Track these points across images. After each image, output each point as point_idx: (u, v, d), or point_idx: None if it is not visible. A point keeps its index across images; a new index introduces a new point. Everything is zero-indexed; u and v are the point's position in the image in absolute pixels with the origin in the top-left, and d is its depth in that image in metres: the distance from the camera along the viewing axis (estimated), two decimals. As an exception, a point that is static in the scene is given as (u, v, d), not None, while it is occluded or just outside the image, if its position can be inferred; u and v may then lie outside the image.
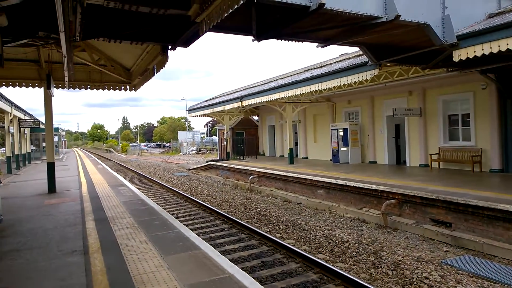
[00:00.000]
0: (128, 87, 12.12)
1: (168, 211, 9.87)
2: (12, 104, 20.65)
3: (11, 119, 21.64)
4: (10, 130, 21.72)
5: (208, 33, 6.45)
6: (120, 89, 12.15)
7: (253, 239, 8.11)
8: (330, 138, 18.70)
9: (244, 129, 27.96)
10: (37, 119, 28.32)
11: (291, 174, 14.46)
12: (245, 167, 18.62)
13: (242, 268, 6.21)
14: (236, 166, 19.79)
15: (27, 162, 26.82)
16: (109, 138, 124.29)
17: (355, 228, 9.22)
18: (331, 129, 18.44)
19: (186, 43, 7.42)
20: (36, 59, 10.58)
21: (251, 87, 22.84)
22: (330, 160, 18.92)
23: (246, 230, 8.72)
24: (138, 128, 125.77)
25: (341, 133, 17.81)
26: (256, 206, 12.12)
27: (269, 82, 20.65)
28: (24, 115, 26.39)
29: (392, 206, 9.70)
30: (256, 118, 29.12)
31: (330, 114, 19.89)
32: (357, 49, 10.84)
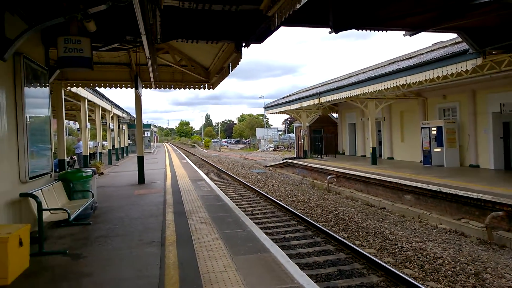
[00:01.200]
0: (206, 85, 12.60)
1: (242, 208, 9.98)
2: (112, 103, 23.22)
3: (111, 117, 24.38)
4: (111, 126, 24.48)
5: (285, 28, 6.25)
6: (199, 88, 12.70)
7: (329, 244, 7.70)
8: (420, 137, 17.00)
9: (322, 126, 27.20)
10: (133, 116, 31.45)
11: (373, 176, 13.52)
12: (323, 166, 18.03)
13: (316, 275, 5.93)
14: (313, 165, 19.31)
15: (124, 155, 29.97)
16: (193, 134, 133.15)
17: (451, 242, 8.13)
18: (422, 128, 16.75)
19: (259, 39, 7.33)
20: (127, 62, 11.62)
21: (330, 83, 22.03)
22: (420, 162, 17.24)
23: (322, 234, 8.34)
24: (219, 125, 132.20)
25: (434, 132, 16.04)
26: (333, 208, 11.59)
27: (349, 77, 19.65)
28: (122, 112, 29.55)
29: (500, 219, 8.34)
30: (335, 115, 28.10)
31: (421, 111, 18.08)
32: (453, 36, 9.55)
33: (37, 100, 6.56)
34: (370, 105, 17.69)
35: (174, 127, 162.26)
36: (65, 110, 12.41)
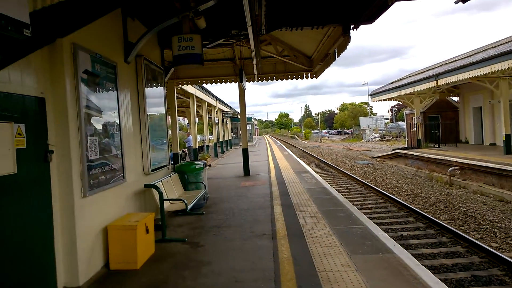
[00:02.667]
0: (309, 74, 12.32)
1: (352, 202, 9.46)
2: (216, 98, 24.73)
3: (216, 111, 26.01)
4: (216, 121, 26.14)
5: (390, 8, 5.64)
6: (302, 78, 12.48)
7: (458, 245, 6.73)
8: None
9: (439, 112, 24.32)
10: (236, 110, 33.08)
11: (509, 168, 11.46)
12: (442, 157, 16.08)
13: (445, 279, 5.21)
14: (430, 156, 17.38)
15: (229, 147, 31.79)
16: (293, 125, 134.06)
17: None
18: None
19: (371, 19, 6.71)
20: (231, 57, 12.08)
21: (449, 63, 19.44)
22: None
23: (448, 233, 7.35)
24: (319, 116, 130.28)
25: None
26: (460, 204, 10.18)
27: (475, 54, 16.99)
28: (226, 107, 31.29)
29: None
30: (455, 99, 24.82)
31: None
32: None
33: (155, 99, 7.21)
34: (502, 85, 15.05)
35: (274, 119, 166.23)
36: (177, 107, 13.61)
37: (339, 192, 9.59)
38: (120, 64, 5.43)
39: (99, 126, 4.57)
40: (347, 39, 7.59)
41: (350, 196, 11.69)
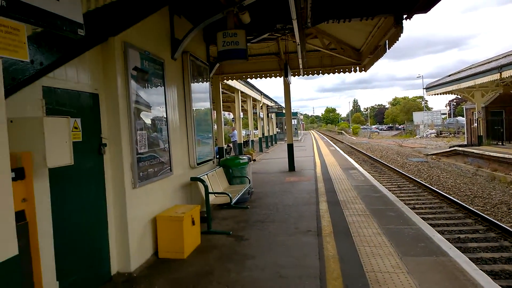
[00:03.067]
0: (358, 68, 11.94)
1: (403, 201, 9.05)
2: (261, 93, 24.84)
3: (261, 106, 26.14)
4: (260, 115, 26.27)
5: None
6: (350, 71, 12.14)
7: (525, 251, 6.20)
8: None
9: (502, 107, 22.44)
10: (281, 105, 33.01)
11: None
12: (506, 155, 14.85)
13: (506, 287, 4.83)
14: (492, 153, 16.14)
15: (273, 142, 31.86)
16: (340, 121, 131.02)
17: None
18: None
19: (426, 8, 6.32)
20: (276, 52, 12.04)
21: (517, 51, 17.83)
22: None
23: (511, 237, 6.80)
24: (368, 110, 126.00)
25: None
26: (526, 207, 9.35)
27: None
28: (271, 102, 31.33)
29: None
30: (523, 91, 22.75)
31: None
32: None
33: (201, 94, 7.39)
34: None
35: (320, 114, 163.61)
36: (222, 102, 13.85)
37: (390, 190, 9.23)
38: (167, 60, 5.63)
39: (147, 121, 4.79)
40: (399, 30, 7.23)
41: (402, 195, 11.20)
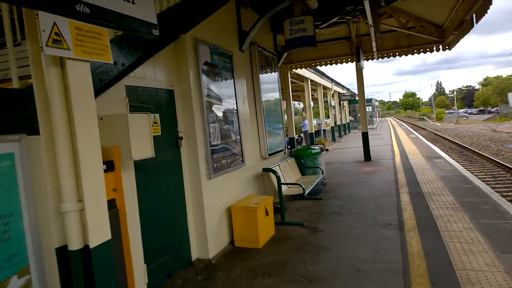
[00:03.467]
0: (440, 46, 10.95)
1: (500, 193, 8.17)
2: (332, 80, 24.19)
3: (332, 94, 25.49)
4: (332, 104, 25.63)
5: None
6: (431, 51, 11.19)
7: None
8: None
9: None
10: (353, 92, 31.81)
11: None
12: None
13: None
14: None
15: (346, 131, 30.91)
16: (421, 105, 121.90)
17: None
18: None
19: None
20: (347, 36, 11.59)
21: None
22: None
23: None
24: (454, 93, 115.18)
25: None
26: None
27: None
28: (342, 89, 30.37)
29: None
30: None
31: None
32: None
33: (269, 85, 7.44)
34: None
35: (398, 100, 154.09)
36: (291, 92, 13.80)
37: (483, 181, 8.38)
38: (236, 53, 5.77)
39: (219, 113, 4.98)
40: (488, 1, 6.48)
41: (498, 186, 10.09)
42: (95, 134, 2.31)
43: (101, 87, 3.10)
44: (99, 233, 2.25)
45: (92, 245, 2.19)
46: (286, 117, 13.39)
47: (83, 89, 2.23)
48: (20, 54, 3.44)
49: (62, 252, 2.20)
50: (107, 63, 3.03)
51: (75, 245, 2.15)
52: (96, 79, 3.02)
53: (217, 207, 4.72)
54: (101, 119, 2.98)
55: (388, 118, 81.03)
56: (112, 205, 2.79)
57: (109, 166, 2.80)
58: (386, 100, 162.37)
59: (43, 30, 1.88)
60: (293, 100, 24.38)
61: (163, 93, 4.10)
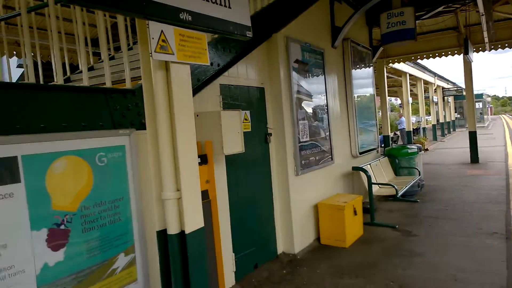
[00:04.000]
0: None
1: None
2: (435, 74, 22.05)
3: (434, 89, 23.25)
4: (434, 100, 23.40)
5: None
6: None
7: None
8: None
9: None
10: (460, 87, 28.54)
11: None
12: None
13: None
14: None
15: (451, 130, 27.94)
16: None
17: None
18: None
19: None
20: (454, 26, 10.45)
21: None
22: None
23: None
24: None
25: None
26: None
27: None
28: (447, 83, 27.48)
29: None
30: None
31: None
32: None
33: (363, 80, 7.14)
34: None
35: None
36: (387, 87, 12.98)
37: None
38: (327, 49, 5.66)
39: (309, 110, 4.96)
40: None
41: None
42: (192, 130, 2.51)
43: (198, 86, 3.36)
44: (194, 220, 2.45)
45: (187, 230, 2.40)
46: (380, 113, 12.67)
47: (184, 89, 2.44)
48: (130, 57, 3.91)
49: (162, 235, 2.45)
50: (204, 64, 3.26)
51: (173, 229, 2.38)
52: (194, 79, 3.28)
53: (303, 203, 4.74)
54: (197, 115, 3.23)
55: (503, 115, 70.77)
56: (205, 195, 3.01)
57: (203, 159, 3.02)
58: (501, 96, 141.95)
59: (152, 38, 2.12)
60: (389, 96, 22.96)
61: (254, 91, 4.25)
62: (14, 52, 5.93)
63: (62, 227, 2.00)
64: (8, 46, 4.87)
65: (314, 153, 5.01)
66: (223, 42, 3.59)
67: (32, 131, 1.96)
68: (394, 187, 5.78)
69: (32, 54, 6.51)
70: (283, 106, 4.42)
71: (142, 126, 2.57)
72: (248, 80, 4.14)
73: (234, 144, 3.29)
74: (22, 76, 7.09)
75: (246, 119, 3.92)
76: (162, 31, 2.18)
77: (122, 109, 2.53)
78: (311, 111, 5.05)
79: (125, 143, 2.43)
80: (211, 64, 3.45)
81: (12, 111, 1.92)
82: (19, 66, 7.23)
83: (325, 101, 5.47)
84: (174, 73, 2.36)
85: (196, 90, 3.32)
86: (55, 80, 3.97)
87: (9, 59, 4.93)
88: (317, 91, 5.27)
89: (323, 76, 5.46)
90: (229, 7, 2.68)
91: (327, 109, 5.50)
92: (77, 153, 2.11)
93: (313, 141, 5.00)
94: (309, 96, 5.01)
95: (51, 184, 1.95)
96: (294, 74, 4.63)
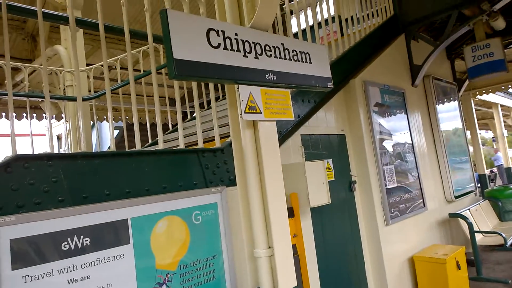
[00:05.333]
0: None
1: None
2: (532, 101, 19.77)
3: (533, 118, 20.74)
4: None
5: None
6: None
7: None
8: None
9: None
10: None
11: None
12: None
13: None
14: None
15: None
16: None
17: None
18: None
19: None
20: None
21: None
22: None
23: None
24: None
25: None
26: None
27: None
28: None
29: None
30: None
31: None
32: None
33: (449, 115, 6.66)
34: None
35: None
36: (476, 120, 11.91)
37: None
38: (408, 89, 5.46)
39: (392, 154, 4.72)
40: None
41: None
42: (280, 184, 2.53)
43: (280, 139, 3.42)
44: (287, 279, 2.39)
45: (280, 290, 2.34)
46: (472, 149, 11.56)
47: (270, 144, 2.51)
48: (218, 113, 4.17)
49: (255, 293, 2.43)
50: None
51: (266, 288, 2.34)
52: (277, 132, 3.36)
53: (397, 256, 4.36)
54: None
55: None
56: (293, 250, 2.94)
57: (290, 212, 2.99)
58: None
59: (242, 100, 2.25)
60: (480, 129, 21.00)
61: (335, 138, 4.20)
62: (112, 116, 6.74)
63: (164, 286, 2.09)
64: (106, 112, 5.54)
65: (403, 199, 4.68)
66: (302, 93, 3.67)
67: (139, 194, 2.14)
68: (501, 235, 5.09)
69: (126, 117, 7.37)
70: (365, 152, 4.28)
71: (231, 183, 2.66)
72: (328, 128, 4.12)
73: (320, 196, 3.22)
74: (118, 137, 8.00)
75: (329, 168, 3.85)
76: (250, 92, 2.31)
77: (213, 167, 2.66)
78: (396, 152, 4.80)
79: (217, 200, 2.53)
80: (292, 116, 3.52)
81: (123, 177, 2.13)
82: (116, 128, 8.19)
83: (410, 140, 5.18)
84: (261, 131, 2.44)
85: (279, 142, 3.38)
86: (149, 140, 4.39)
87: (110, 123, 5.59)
88: (400, 129, 5.03)
89: (405, 114, 5.23)
90: (310, 62, 2.76)
91: (413, 150, 5.19)
92: (176, 213, 2.24)
93: (401, 186, 4.70)
94: (391, 135, 4.80)
95: (155, 244, 2.08)
96: (374, 118, 4.50)
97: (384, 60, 5.11)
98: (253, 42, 2.31)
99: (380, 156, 4.42)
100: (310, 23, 4.31)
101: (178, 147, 2.60)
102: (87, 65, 5.14)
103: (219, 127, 3.15)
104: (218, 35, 2.11)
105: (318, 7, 4.45)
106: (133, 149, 2.37)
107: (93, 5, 2.82)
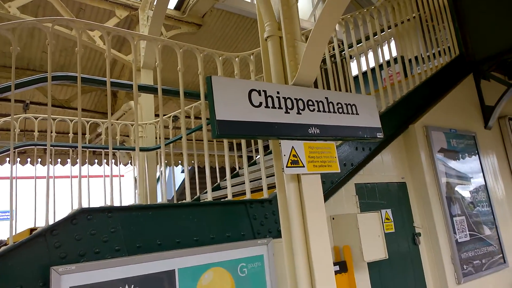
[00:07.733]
0: None
1: None
2: None
3: None
4: None
5: None
6: None
7: None
8: None
9: None
10: None
11: None
12: None
13: None
14: None
15: None
16: None
17: None
18: None
19: None
20: None
21: None
22: None
23: None
24: None
25: None
26: None
27: None
28: None
29: None
30: None
31: None
32: None
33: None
34: None
35: None
36: None
37: None
38: (480, 131, 5.11)
39: (463, 203, 4.36)
40: None
41: None
42: (325, 237, 2.51)
43: (332, 188, 3.41)
44: None
45: None
46: None
47: (315, 197, 2.53)
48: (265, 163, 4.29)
49: None
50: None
51: None
52: (328, 182, 3.36)
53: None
54: (333, 218, 3.23)
55: None
56: (347, 308, 2.83)
57: (342, 266, 2.92)
58: None
59: (284, 155, 2.34)
60: None
61: (394, 186, 4.03)
62: (180, 161, 7.29)
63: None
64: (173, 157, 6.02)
65: (478, 254, 4.23)
66: (355, 141, 3.65)
67: (188, 244, 2.29)
68: None
69: (192, 161, 7.90)
70: (430, 201, 4.02)
71: (280, 234, 2.70)
72: (386, 176, 3.99)
73: (376, 250, 3.09)
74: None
75: (388, 219, 3.69)
76: (293, 147, 2.40)
77: (260, 218, 2.75)
78: (467, 202, 4.42)
79: (263, 252, 2.58)
80: (344, 164, 3.51)
81: (173, 227, 2.32)
82: (182, 171, 8.84)
83: (485, 186, 4.75)
84: (305, 184, 2.48)
85: (330, 192, 3.37)
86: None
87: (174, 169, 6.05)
88: (472, 176, 4.66)
89: (478, 159, 4.85)
90: (357, 114, 2.79)
91: (489, 196, 4.74)
92: (221, 265, 2.34)
93: (475, 240, 4.27)
94: (462, 186, 4.45)
95: (200, 296, 2.18)
96: (439, 164, 4.25)
97: (450, 103, 4.89)
98: (295, 99, 2.44)
99: (448, 206, 4.12)
100: (371, 65, 4.33)
101: (226, 199, 2.74)
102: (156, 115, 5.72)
103: (267, 177, 3.25)
104: (260, 94, 2.28)
105: (379, 49, 4.45)
106: (183, 201, 2.56)
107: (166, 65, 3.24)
